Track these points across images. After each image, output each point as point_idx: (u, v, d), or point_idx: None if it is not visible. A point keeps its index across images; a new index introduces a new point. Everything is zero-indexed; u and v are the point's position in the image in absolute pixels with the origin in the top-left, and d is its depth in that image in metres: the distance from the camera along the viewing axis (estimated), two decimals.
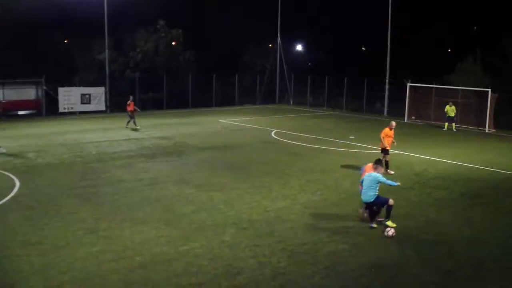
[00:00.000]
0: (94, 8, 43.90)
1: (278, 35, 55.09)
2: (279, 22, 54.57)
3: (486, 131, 36.82)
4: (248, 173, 21.70)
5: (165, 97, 46.12)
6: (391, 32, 45.67)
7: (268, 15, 57.32)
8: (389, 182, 15.25)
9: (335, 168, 22.96)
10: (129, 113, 33.80)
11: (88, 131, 32.66)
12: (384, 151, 22.12)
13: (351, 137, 31.64)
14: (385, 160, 21.47)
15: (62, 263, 12.10)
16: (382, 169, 15.79)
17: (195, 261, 12.36)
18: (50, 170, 21.82)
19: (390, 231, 14.38)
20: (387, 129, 22.36)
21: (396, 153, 26.24)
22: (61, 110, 41.03)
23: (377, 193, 14.94)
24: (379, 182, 14.92)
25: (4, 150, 25.36)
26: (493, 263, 12.87)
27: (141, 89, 44.04)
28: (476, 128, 37.92)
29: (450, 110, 36.96)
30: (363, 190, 15.04)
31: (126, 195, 17.87)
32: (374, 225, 15.00)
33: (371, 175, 15.05)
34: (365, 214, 15.44)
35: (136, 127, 33.41)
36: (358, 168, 22.85)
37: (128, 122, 33.76)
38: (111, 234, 13.95)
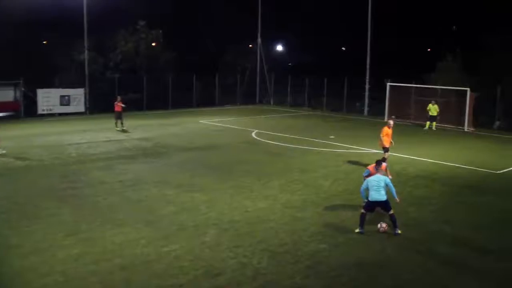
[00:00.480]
0: (73, 8, 43.55)
1: (259, 35, 55.17)
2: (259, 23, 54.65)
3: (466, 130, 37.18)
4: (228, 173, 21.72)
5: (146, 98, 45.92)
6: (371, 32, 45.94)
7: (248, 15, 57.34)
8: (393, 190, 15.12)
9: (315, 168, 23.06)
10: (116, 113, 33.55)
11: (67, 132, 32.39)
12: (385, 149, 22.58)
13: (331, 137, 31.77)
14: (383, 158, 21.47)
15: (42, 265, 12.04)
16: (384, 165, 15.75)
17: (175, 262, 12.37)
18: (29, 172, 21.66)
19: (382, 228, 14.68)
20: (386, 128, 22.66)
21: (376, 152, 26.40)
22: (40, 111, 40.64)
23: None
24: (386, 184, 14.88)
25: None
26: (474, 260, 13.04)
27: (121, 90, 43.74)
28: (455, 127, 38.28)
29: (433, 108, 37.25)
30: (374, 191, 14.68)
31: (106, 197, 17.80)
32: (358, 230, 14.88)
33: (379, 177, 14.90)
34: (384, 225, 14.89)
35: (123, 127, 33.17)
36: (338, 167, 23.10)
37: (116, 123, 33.48)
38: (91, 236, 13.89)
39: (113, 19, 47.74)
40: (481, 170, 23.50)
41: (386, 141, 22.55)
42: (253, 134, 32.60)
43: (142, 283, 11.31)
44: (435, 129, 37.05)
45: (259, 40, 55.32)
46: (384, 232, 14.58)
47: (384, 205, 14.76)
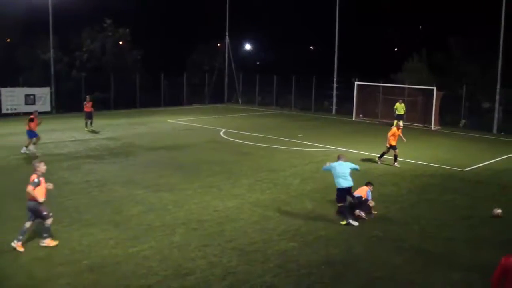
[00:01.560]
0: (37, 6, 42.87)
1: (227, 34, 55.08)
2: (227, 22, 54.55)
3: (432, 128, 37.70)
4: (197, 173, 21.64)
5: (113, 97, 45.46)
6: (338, 31, 46.27)
7: (216, 14, 57.26)
8: (355, 166, 16.28)
9: (284, 167, 23.12)
10: (86, 114, 33.04)
11: None
12: (393, 147, 23.79)
13: (299, 135, 31.89)
14: (395, 155, 23.82)
15: (7, 268, 11.82)
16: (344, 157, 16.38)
17: (144, 262, 12.27)
18: None
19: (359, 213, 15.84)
20: (395, 129, 24.14)
21: (344, 150, 26.58)
22: (4, 111, 39.89)
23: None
24: (351, 168, 15.79)
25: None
26: (440, 257, 13.22)
27: (88, 89, 43.22)
28: (422, 125, 38.81)
29: (400, 107, 37.65)
30: (340, 178, 15.45)
31: (73, 198, 17.56)
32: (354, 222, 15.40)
33: (341, 163, 15.73)
34: (362, 213, 15.94)
35: (92, 128, 32.71)
36: (306, 166, 23.20)
37: (87, 123, 32.99)
38: (58, 237, 13.64)
39: (79, 17, 47.16)
40: (447, 168, 23.87)
41: (392, 140, 23.78)
42: (221, 133, 32.54)
43: (110, 284, 11.19)
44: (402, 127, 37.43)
45: (227, 39, 55.23)
46: (360, 217, 15.33)
47: (350, 190, 15.70)
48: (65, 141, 28.72)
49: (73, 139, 29.55)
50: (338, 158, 16.10)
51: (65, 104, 42.08)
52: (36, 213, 12.87)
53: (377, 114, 42.70)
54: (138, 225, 14.87)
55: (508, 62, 37.38)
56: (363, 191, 16.70)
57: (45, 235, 13.07)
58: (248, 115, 44.59)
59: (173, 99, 50.20)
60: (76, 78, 45.16)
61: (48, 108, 42.07)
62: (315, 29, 62.54)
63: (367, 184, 17.31)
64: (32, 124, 24.87)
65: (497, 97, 37.74)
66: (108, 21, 48.72)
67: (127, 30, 50.22)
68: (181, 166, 22.99)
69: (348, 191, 15.65)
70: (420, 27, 69.25)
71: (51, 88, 42.43)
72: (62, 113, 41.43)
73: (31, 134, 24.95)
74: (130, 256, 12.64)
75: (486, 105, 40.93)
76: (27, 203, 12.95)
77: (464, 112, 40.38)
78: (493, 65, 38.41)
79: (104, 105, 43.92)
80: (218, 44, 58.80)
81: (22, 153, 24.75)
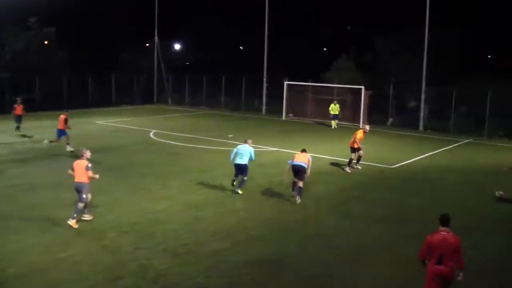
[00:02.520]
0: None
1: (156, 33, 54.53)
2: (156, 21, 53.99)
3: (361, 126, 38.55)
4: (126, 175, 21.37)
5: (38, 98, 44.10)
6: (268, 31, 46.63)
7: (145, 13, 56.66)
8: (253, 155, 18.93)
9: (214, 167, 23.16)
10: (16, 117, 31.38)
11: None
12: (357, 149, 23.44)
13: (230, 135, 31.97)
14: (359, 156, 23.63)
15: None
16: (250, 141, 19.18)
17: (74, 268, 12.04)
18: None
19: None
20: (362, 132, 23.82)
21: (274, 150, 26.89)
22: None
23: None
24: (250, 154, 18.71)
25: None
26: (370, 252, 13.62)
27: (12, 90, 41.83)
28: (351, 124, 39.64)
29: (335, 108, 38.36)
30: (238, 157, 18.63)
31: None
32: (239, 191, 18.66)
33: (245, 147, 18.72)
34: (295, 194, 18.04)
35: (20, 132, 31.29)
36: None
37: (18, 127, 31.44)
38: None
39: (0, 15, 45.49)
40: (376, 165, 24.55)
41: (357, 144, 23.38)
42: (151, 135, 32.22)
43: None
44: (336, 127, 38.19)
45: (156, 38, 54.68)
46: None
47: (244, 169, 18.63)
48: None
49: None
50: (245, 142, 18.97)
51: None
52: (79, 193, 14.83)
53: (306, 114, 43.31)
54: (67, 230, 14.54)
55: (432, 61, 38.76)
56: (304, 158, 18.19)
57: (74, 215, 14.69)
58: (178, 115, 44.33)
59: (102, 100, 49.16)
60: None
61: None
62: (244, 28, 62.79)
63: (303, 151, 18.70)
64: (63, 125, 26.11)
65: (423, 96, 39.05)
66: (33, 19, 47.21)
67: (53, 29, 48.85)
68: (110, 168, 22.59)
69: (241, 167, 18.63)
70: (349, 27, 70.81)
71: None
72: None
73: (61, 132, 26.17)
74: (59, 262, 12.37)
75: (412, 103, 42.30)
76: (74, 184, 14.92)
77: (391, 111, 41.57)
78: (418, 65, 39.75)
79: (29, 107, 42.53)
80: (147, 44, 58.13)
81: (69, 151, 25.42)
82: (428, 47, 38.37)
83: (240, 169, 18.61)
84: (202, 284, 11.50)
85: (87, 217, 15.27)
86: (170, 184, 20.03)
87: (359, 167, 23.71)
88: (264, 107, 47.36)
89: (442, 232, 9.73)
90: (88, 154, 15.37)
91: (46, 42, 48.91)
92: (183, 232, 14.66)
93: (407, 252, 13.46)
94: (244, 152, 18.56)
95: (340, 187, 20.42)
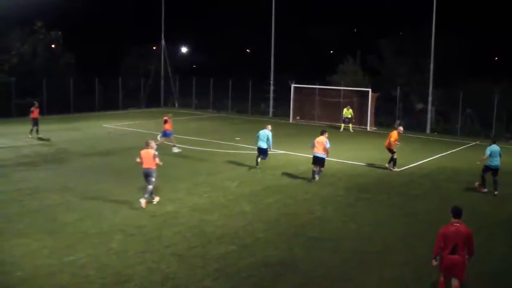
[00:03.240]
0: None
1: (162, 37, 54.61)
2: (163, 24, 54.08)
3: (368, 129, 38.46)
4: (133, 178, 21.24)
5: (45, 102, 44.10)
6: (274, 34, 46.60)
7: (152, 16, 56.76)
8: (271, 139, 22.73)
9: (221, 170, 23.10)
10: (33, 120, 31.45)
11: None
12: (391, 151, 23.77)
13: (237, 138, 31.93)
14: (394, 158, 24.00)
15: None
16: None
17: (81, 271, 11.98)
18: None
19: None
20: (396, 133, 23.90)
21: (282, 153, 26.81)
22: None
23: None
24: (268, 136, 22.58)
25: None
26: (376, 255, 13.50)
27: (18, 94, 41.92)
28: (358, 126, 39.51)
29: (348, 113, 38.13)
30: (259, 140, 22.80)
31: (3, 207, 16.93)
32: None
33: (265, 131, 22.73)
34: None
35: (38, 135, 31.34)
36: (244, 169, 23.25)
37: (31, 130, 31.57)
38: None
39: (7, 19, 45.61)
40: (383, 168, 24.40)
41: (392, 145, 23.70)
42: (158, 138, 32.11)
43: None
44: (352, 131, 37.92)
45: (162, 41, 54.74)
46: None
47: (264, 152, 22.90)
48: None
49: (4, 145, 28.55)
50: (265, 127, 23.02)
51: None
52: (149, 177, 17.08)
53: (314, 116, 43.20)
54: (73, 233, 14.51)
55: (439, 63, 38.65)
56: (322, 145, 20.99)
57: (146, 196, 17.06)
58: (185, 118, 44.32)
59: (108, 103, 49.27)
60: (5, 82, 43.61)
61: None
62: (251, 31, 62.79)
63: (322, 133, 21.48)
64: (167, 126, 27.62)
65: (430, 98, 38.90)
66: (39, 24, 47.35)
67: (59, 33, 48.94)
68: (117, 171, 22.60)
69: (262, 150, 22.87)
70: (355, 30, 70.73)
71: None
72: None
73: (166, 134, 27.80)
74: (66, 265, 12.31)
75: (419, 106, 42.18)
76: (143, 170, 17.20)
77: (398, 113, 41.43)
78: (424, 67, 39.63)
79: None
80: (154, 47, 58.20)
81: (176, 153, 26.95)
82: (434, 49, 38.22)
83: (262, 151, 22.89)
84: (209, 287, 11.42)
85: (156, 199, 17.52)
86: (177, 187, 19.97)
87: (392, 168, 23.90)
88: (271, 110, 47.28)
89: (455, 224, 10.43)
90: (154, 144, 17.50)
91: (52, 46, 48.99)
92: (191, 235, 14.59)
93: (414, 254, 13.38)
94: (262, 136, 22.57)
95: (347, 190, 20.31)
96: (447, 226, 10.51)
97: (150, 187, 17.06)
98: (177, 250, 13.41)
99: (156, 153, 17.21)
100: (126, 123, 39.74)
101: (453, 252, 10.35)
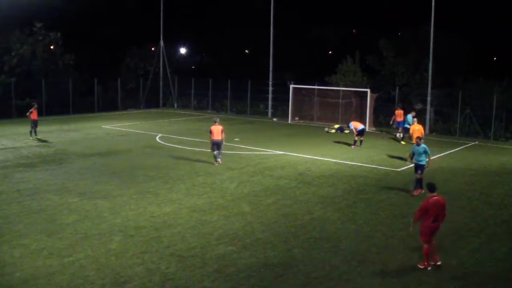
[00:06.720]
0: None
1: (161, 37, 54.55)
2: (161, 25, 54.04)
3: (367, 129, 38.45)
4: (133, 179, 21.34)
5: (44, 103, 44.10)
6: (273, 34, 46.58)
7: (150, 17, 56.72)
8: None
9: (220, 171, 23.11)
10: (32, 121, 31.33)
11: None
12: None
13: (236, 139, 31.92)
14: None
15: None
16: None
17: (80, 272, 12.01)
18: None
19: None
20: (416, 125, 27.48)
21: (280, 153, 26.83)
22: None
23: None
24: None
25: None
26: (376, 255, 13.52)
27: (18, 95, 41.90)
28: None
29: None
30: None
31: (3, 208, 16.96)
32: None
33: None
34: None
35: (36, 136, 31.30)
36: (243, 169, 23.27)
37: (31, 132, 31.48)
38: None
39: (6, 20, 45.61)
40: (382, 168, 24.44)
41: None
42: (157, 138, 32.21)
43: None
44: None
45: (161, 42, 54.72)
46: None
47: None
48: None
49: (2, 147, 28.57)
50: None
51: None
52: (220, 145, 24.08)
53: (312, 117, 43.21)
54: (73, 234, 14.54)
55: (438, 63, 38.64)
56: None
57: (218, 159, 24.14)
58: (184, 119, 44.32)
59: (108, 104, 49.26)
60: (4, 83, 43.61)
61: None
62: (250, 32, 62.80)
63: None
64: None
65: (429, 98, 38.89)
66: (38, 25, 47.32)
67: (59, 34, 48.90)
68: (116, 172, 22.62)
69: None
70: (354, 30, 70.77)
71: None
72: None
73: (400, 124, 32.74)
74: (66, 266, 12.34)
75: (418, 106, 42.15)
76: (214, 141, 23.74)
77: None
78: (423, 67, 39.61)
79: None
80: (153, 48, 58.17)
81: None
82: (433, 49, 38.22)
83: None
84: None
85: (219, 161, 24.18)
86: (176, 187, 20.00)
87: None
88: (269, 111, 47.27)
89: (434, 197, 12.57)
90: (218, 119, 24.67)
91: (52, 47, 48.95)
92: (190, 235, 14.62)
93: (413, 254, 13.39)
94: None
95: (346, 190, 20.32)
96: (427, 200, 12.57)
97: (217, 153, 24.15)
98: (176, 250, 13.44)
99: (222, 127, 24.15)
100: (126, 124, 39.74)
101: (435, 220, 12.44)
